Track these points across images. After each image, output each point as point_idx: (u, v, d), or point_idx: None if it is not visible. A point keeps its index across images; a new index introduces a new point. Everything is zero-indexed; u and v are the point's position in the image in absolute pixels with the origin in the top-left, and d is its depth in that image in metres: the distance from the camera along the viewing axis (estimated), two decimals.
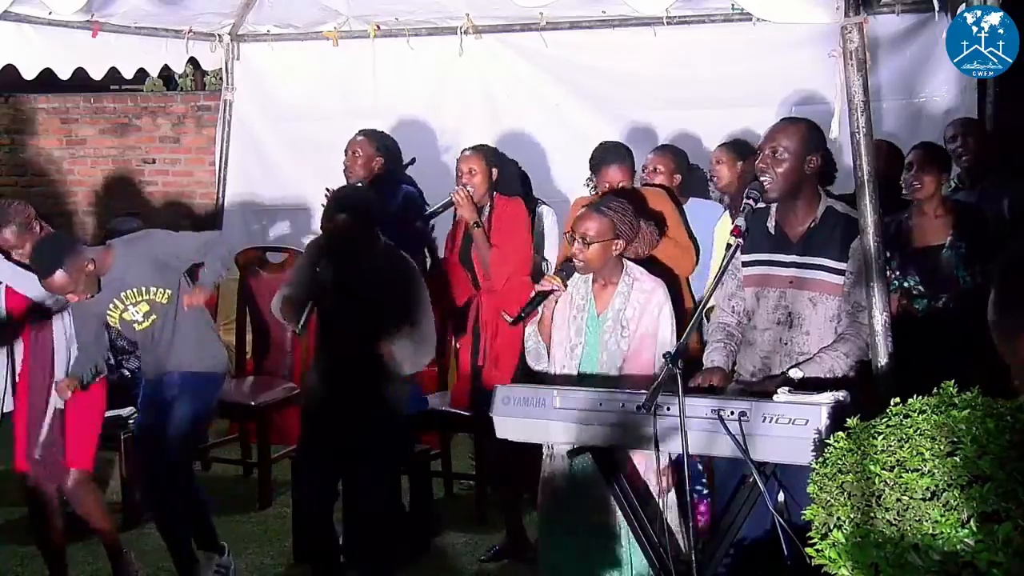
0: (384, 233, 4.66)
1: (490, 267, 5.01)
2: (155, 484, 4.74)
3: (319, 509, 4.48)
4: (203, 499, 4.86)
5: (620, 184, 4.78)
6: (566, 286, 3.99)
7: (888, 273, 4.51)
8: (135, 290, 4.58)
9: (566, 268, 4.02)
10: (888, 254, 4.51)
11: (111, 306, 4.59)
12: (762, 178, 3.65)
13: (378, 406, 4.42)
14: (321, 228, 4.66)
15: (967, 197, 5.03)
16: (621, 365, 3.89)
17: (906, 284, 4.57)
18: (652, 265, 4.17)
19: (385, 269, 4.47)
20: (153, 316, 4.62)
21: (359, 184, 5.36)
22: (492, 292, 5.06)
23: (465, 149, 5.23)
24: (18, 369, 4.75)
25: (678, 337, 3.86)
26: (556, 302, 4.02)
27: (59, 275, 4.33)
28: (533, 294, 4.07)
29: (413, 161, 5.76)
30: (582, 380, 3.89)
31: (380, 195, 5.27)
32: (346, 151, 5.54)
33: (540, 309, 4.03)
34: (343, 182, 5.47)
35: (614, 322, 3.92)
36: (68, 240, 4.65)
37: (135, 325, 4.64)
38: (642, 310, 3.90)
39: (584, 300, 3.99)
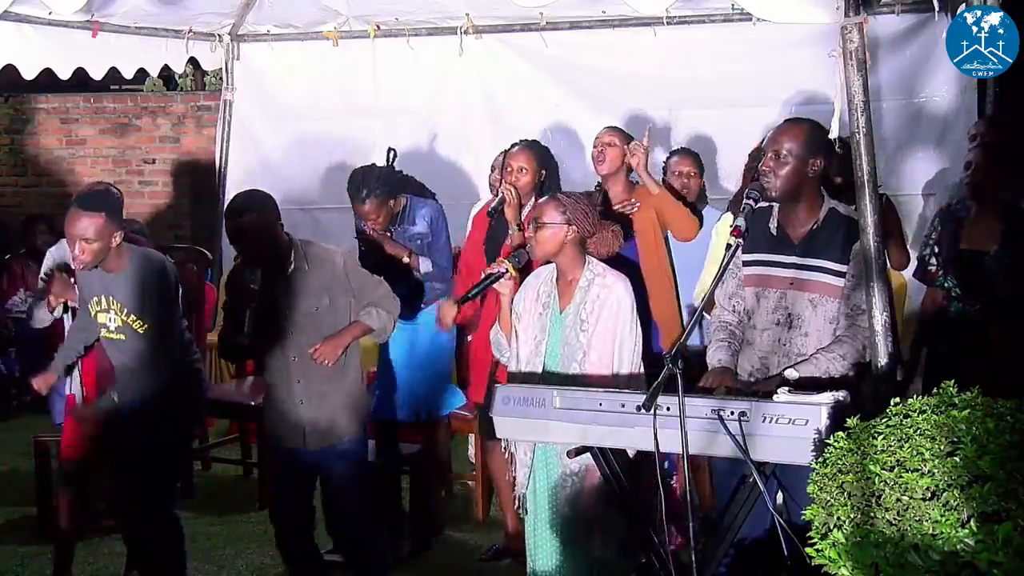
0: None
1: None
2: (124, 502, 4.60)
3: (295, 526, 4.33)
4: (178, 538, 4.58)
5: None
6: (517, 272, 4.10)
7: (933, 266, 4.53)
8: (118, 304, 4.36)
9: (518, 254, 4.17)
10: (936, 248, 4.53)
11: (94, 300, 4.41)
12: (764, 180, 3.65)
13: (337, 414, 4.26)
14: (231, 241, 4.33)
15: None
16: (580, 359, 3.94)
17: (946, 284, 4.57)
18: (619, 263, 4.18)
19: (310, 263, 4.23)
20: (123, 335, 4.39)
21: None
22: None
23: (515, 144, 5.02)
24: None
25: (645, 335, 3.99)
26: (511, 293, 4.10)
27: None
28: (482, 276, 4.19)
29: (392, 152, 5.51)
30: (546, 376, 3.97)
31: (405, 220, 5.15)
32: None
33: (498, 303, 4.15)
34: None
35: (574, 317, 3.98)
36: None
37: (105, 330, 4.43)
38: (602, 304, 3.95)
39: (549, 297, 4.06)
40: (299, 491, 4.32)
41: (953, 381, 2.85)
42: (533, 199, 4.84)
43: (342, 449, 4.26)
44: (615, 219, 4.39)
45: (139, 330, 4.34)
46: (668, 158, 5.39)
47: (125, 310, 4.34)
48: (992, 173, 4.52)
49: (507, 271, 4.10)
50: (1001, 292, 4.41)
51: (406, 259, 5.05)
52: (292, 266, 4.21)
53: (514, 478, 4.13)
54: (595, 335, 3.93)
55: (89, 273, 4.35)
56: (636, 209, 4.79)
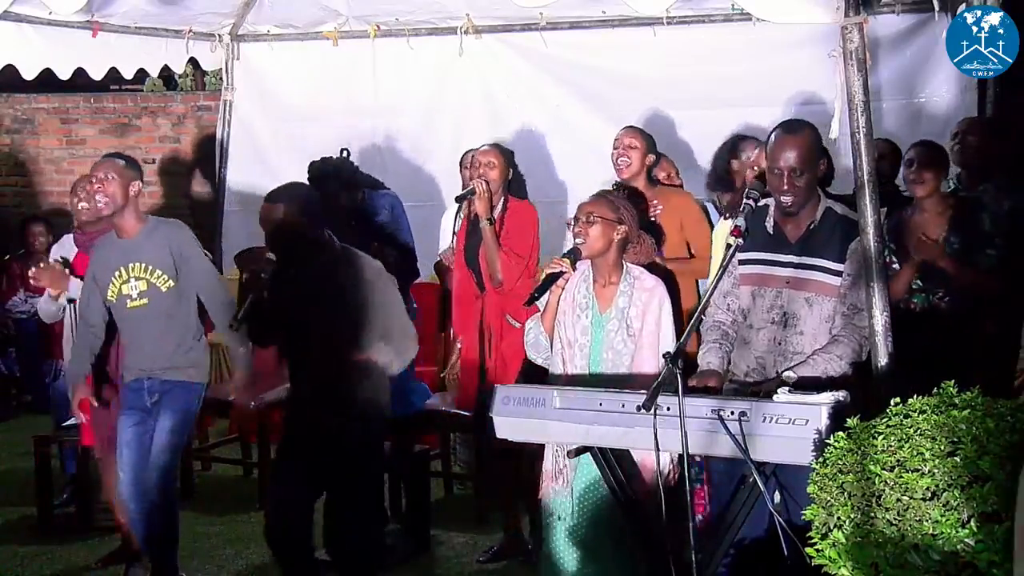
0: (381, 242, 4.69)
1: (500, 269, 4.95)
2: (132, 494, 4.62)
3: (292, 523, 4.30)
4: (175, 528, 4.72)
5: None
6: (574, 268, 4.00)
7: (894, 266, 4.54)
8: (142, 265, 4.54)
9: (572, 252, 4.03)
10: (893, 247, 4.54)
11: (115, 275, 4.56)
12: (783, 198, 3.64)
13: (354, 418, 4.25)
14: (261, 224, 4.34)
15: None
16: (629, 364, 3.89)
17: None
18: (652, 267, 4.18)
19: (345, 269, 4.27)
20: (147, 299, 4.56)
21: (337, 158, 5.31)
22: (497, 293, 5.03)
23: (483, 144, 5.16)
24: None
25: (678, 336, 3.86)
26: (562, 291, 4.02)
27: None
28: (543, 276, 4.07)
29: (346, 152, 5.57)
30: (595, 380, 3.88)
31: (368, 204, 5.28)
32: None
33: (546, 298, 4.03)
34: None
35: (619, 321, 3.92)
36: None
37: (128, 301, 4.56)
38: (645, 308, 3.91)
39: (586, 299, 3.98)
40: (300, 487, 4.30)
41: (953, 381, 2.86)
42: (502, 196, 5.02)
43: (348, 450, 4.25)
44: (646, 230, 4.35)
45: (162, 288, 4.53)
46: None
47: (148, 267, 4.52)
48: (930, 169, 4.62)
49: (566, 270, 3.98)
50: (957, 277, 4.48)
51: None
52: (318, 268, 4.22)
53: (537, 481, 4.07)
54: (643, 338, 3.88)
55: (103, 249, 4.40)
56: (660, 210, 4.79)
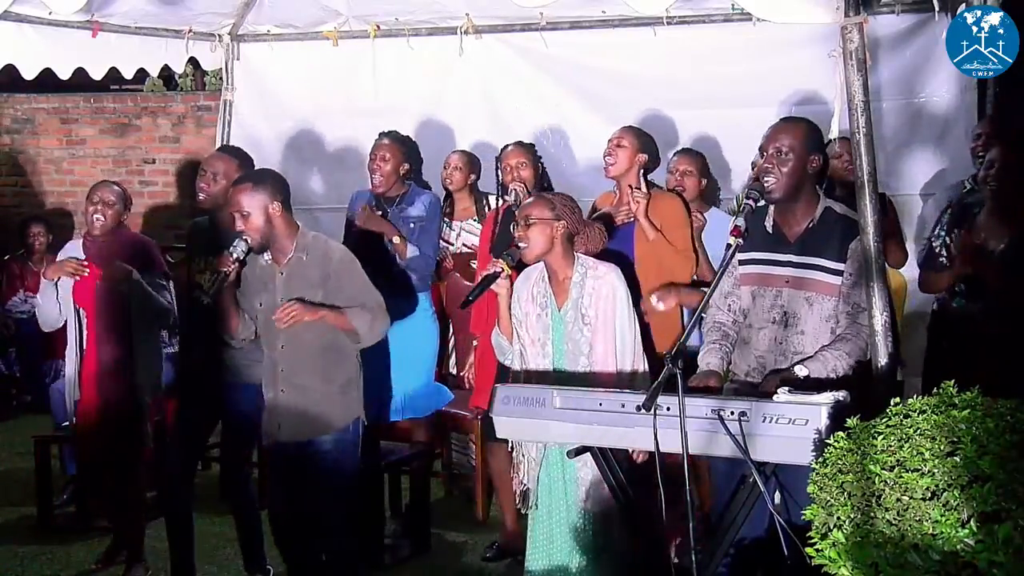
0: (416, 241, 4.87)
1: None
2: (178, 487, 4.69)
3: (282, 518, 4.32)
4: (254, 509, 4.81)
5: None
6: (513, 269, 4.09)
7: (942, 259, 4.51)
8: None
9: (510, 252, 4.12)
10: (948, 240, 4.52)
11: (196, 261, 4.68)
12: (766, 178, 3.65)
13: (319, 409, 4.19)
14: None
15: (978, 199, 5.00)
16: (588, 353, 3.97)
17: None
18: (608, 256, 4.22)
19: (308, 254, 4.20)
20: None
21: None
22: None
23: (507, 145, 5.18)
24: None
25: (639, 320, 4.02)
26: (508, 294, 4.10)
27: None
28: (480, 278, 4.17)
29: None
30: (556, 376, 3.98)
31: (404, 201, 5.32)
32: (371, 154, 5.42)
33: (498, 306, 4.15)
34: (359, 185, 5.46)
35: (575, 312, 4.01)
36: None
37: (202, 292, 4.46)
38: (598, 296, 3.99)
39: (545, 298, 4.08)
40: (285, 484, 4.29)
41: (953, 381, 2.85)
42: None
43: (320, 447, 4.19)
44: (599, 219, 4.42)
45: None
46: (671, 156, 5.36)
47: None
48: (1014, 171, 4.50)
49: (502, 270, 4.10)
50: (1008, 289, 4.41)
51: (396, 239, 5.17)
52: (291, 255, 4.20)
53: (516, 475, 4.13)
54: (597, 327, 3.96)
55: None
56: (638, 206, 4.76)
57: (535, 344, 4.06)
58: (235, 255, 4.12)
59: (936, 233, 4.72)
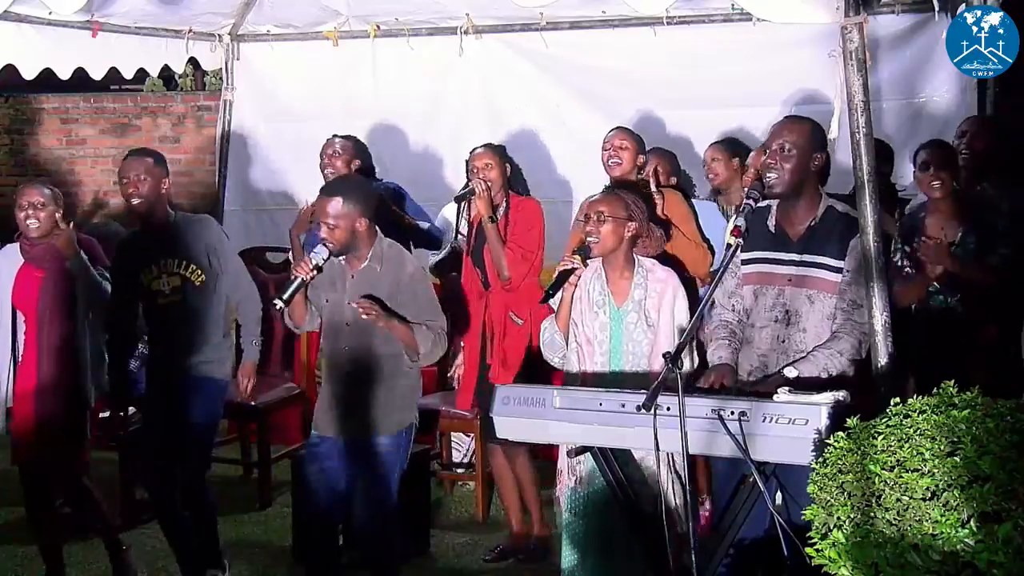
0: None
1: (507, 266, 4.98)
2: (163, 489, 4.69)
3: (319, 514, 4.36)
4: (212, 511, 4.83)
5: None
6: (586, 264, 4.01)
7: (907, 269, 4.52)
8: (176, 261, 4.59)
9: (583, 250, 4.04)
10: (907, 250, 4.52)
11: (146, 269, 4.61)
12: (769, 174, 3.66)
13: (377, 411, 4.28)
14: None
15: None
16: (648, 355, 3.92)
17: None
18: (663, 260, 4.21)
19: (383, 264, 4.29)
20: (179, 296, 4.60)
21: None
22: (501, 292, 5.05)
23: (476, 147, 5.22)
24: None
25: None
26: (575, 289, 4.02)
27: None
28: (556, 272, 4.07)
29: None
30: (612, 376, 3.92)
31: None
32: (324, 152, 5.63)
33: (560, 296, 4.04)
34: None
35: (637, 313, 3.95)
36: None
37: (159, 298, 4.60)
38: (660, 299, 3.95)
39: (602, 296, 4.00)
40: (328, 480, 4.33)
41: (953, 381, 2.85)
42: (504, 194, 5.11)
43: (375, 447, 4.25)
44: (655, 221, 4.41)
45: (196, 282, 4.62)
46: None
47: (183, 263, 4.60)
48: (945, 166, 4.53)
49: (579, 265, 4.00)
50: (975, 278, 4.42)
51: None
52: (365, 264, 4.25)
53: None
54: (661, 328, 3.92)
55: (130, 245, 4.64)
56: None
57: (591, 343, 3.99)
58: (315, 262, 4.16)
59: (893, 248, 4.71)
